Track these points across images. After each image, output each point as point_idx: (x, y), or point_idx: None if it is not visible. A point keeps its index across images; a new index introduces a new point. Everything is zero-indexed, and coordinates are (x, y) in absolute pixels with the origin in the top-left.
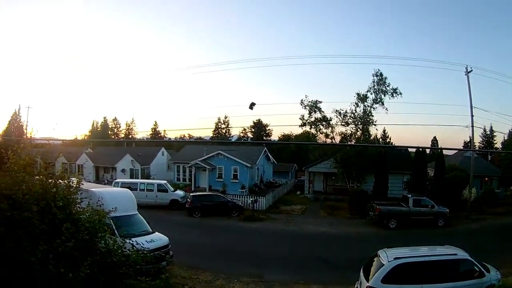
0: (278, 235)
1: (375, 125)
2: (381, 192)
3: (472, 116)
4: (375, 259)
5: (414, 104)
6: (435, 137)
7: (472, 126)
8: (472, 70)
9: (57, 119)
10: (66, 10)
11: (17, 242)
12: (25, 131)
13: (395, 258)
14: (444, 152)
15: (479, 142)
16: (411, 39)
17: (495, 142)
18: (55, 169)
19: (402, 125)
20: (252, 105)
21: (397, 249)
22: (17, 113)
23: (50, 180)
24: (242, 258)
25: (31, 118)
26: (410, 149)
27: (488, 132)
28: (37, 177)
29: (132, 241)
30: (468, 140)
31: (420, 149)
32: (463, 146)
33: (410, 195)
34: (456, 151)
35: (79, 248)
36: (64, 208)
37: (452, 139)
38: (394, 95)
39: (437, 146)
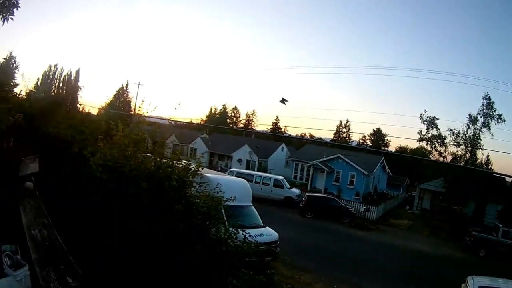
0: (383, 247)
1: (482, 149)
2: (479, 218)
3: None
4: (463, 285)
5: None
6: None
7: None
8: None
9: (175, 99)
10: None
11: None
12: (133, 107)
13: (480, 287)
14: None
15: None
16: None
17: None
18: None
19: (504, 153)
20: (283, 100)
21: (482, 277)
22: (125, 88)
23: (164, 160)
24: (345, 265)
25: (143, 95)
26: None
27: None
28: (149, 154)
29: (245, 232)
30: None
31: None
32: None
33: (500, 226)
34: None
35: (190, 233)
36: (179, 190)
37: None
38: (499, 121)
39: None
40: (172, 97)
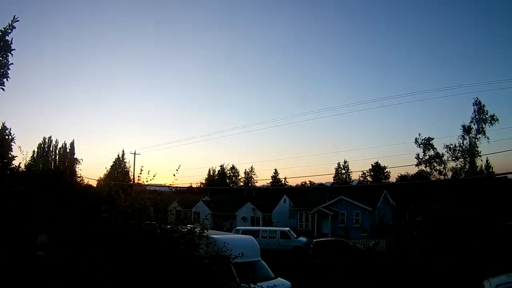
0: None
1: (480, 156)
2: None
3: None
4: None
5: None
6: None
7: None
8: None
9: (172, 166)
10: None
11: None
12: (131, 176)
13: (497, 286)
14: None
15: None
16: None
17: None
18: (169, 216)
19: (503, 151)
20: None
21: (498, 277)
22: (120, 158)
23: (168, 226)
24: None
25: (139, 164)
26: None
27: None
28: (153, 222)
29: (256, 285)
30: None
31: None
32: None
33: None
34: None
35: None
36: (186, 253)
37: None
38: (493, 122)
39: None
40: (169, 164)
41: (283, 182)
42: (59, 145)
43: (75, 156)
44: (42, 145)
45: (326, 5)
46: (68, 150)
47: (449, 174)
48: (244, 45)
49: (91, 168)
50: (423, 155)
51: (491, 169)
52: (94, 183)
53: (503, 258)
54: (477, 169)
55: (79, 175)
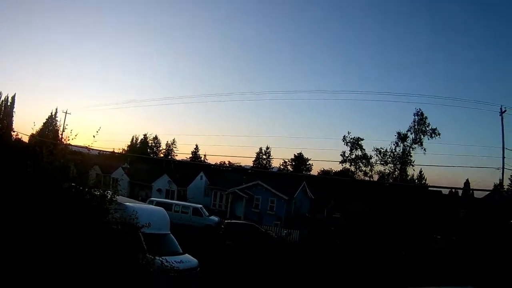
0: None
1: (412, 165)
2: None
3: (504, 157)
4: None
5: (446, 144)
6: (467, 180)
7: (503, 168)
8: (506, 111)
9: (96, 128)
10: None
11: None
12: (60, 135)
13: None
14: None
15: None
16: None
17: None
18: (89, 178)
19: (435, 166)
20: None
21: None
22: (53, 116)
23: (83, 188)
24: None
25: (69, 123)
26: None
27: None
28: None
29: (162, 259)
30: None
31: (453, 190)
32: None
33: None
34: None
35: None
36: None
37: (485, 182)
38: (433, 135)
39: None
40: (98, 126)
41: (202, 158)
42: (2, 98)
43: (14, 110)
44: None
45: None
46: (9, 104)
47: (375, 177)
48: (184, 13)
49: (29, 123)
50: (350, 153)
51: (423, 180)
52: (26, 139)
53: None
54: (408, 177)
55: (13, 130)
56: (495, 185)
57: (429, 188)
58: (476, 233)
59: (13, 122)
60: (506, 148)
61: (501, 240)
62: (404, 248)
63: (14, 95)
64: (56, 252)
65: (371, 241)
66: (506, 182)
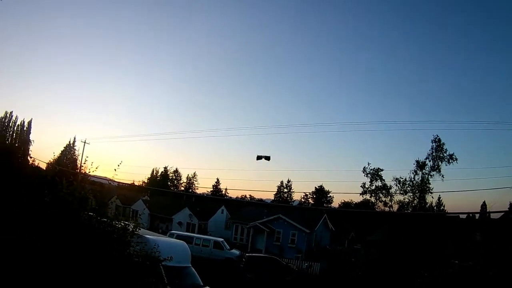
0: None
1: (431, 193)
2: None
3: None
4: None
5: (461, 169)
6: (484, 202)
7: None
8: None
9: (115, 160)
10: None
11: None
12: (78, 164)
13: None
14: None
15: None
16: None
17: None
18: (108, 210)
19: (453, 191)
20: (262, 158)
21: None
22: (71, 145)
23: (104, 219)
24: None
25: (88, 153)
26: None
27: None
28: (91, 213)
29: None
30: None
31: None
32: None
33: None
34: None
35: None
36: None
37: (501, 202)
38: (451, 161)
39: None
40: (118, 158)
41: (223, 192)
42: (18, 122)
43: (30, 136)
44: (3, 119)
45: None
46: (25, 129)
47: (395, 207)
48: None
49: (44, 149)
50: (370, 184)
51: (442, 207)
52: (44, 165)
53: None
54: (427, 205)
55: (30, 156)
56: (510, 203)
57: (447, 215)
58: (491, 256)
59: (30, 149)
60: None
61: None
62: (420, 276)
63: (31, 120)
64: (76, 284)
65: (389, 269)
66: None
